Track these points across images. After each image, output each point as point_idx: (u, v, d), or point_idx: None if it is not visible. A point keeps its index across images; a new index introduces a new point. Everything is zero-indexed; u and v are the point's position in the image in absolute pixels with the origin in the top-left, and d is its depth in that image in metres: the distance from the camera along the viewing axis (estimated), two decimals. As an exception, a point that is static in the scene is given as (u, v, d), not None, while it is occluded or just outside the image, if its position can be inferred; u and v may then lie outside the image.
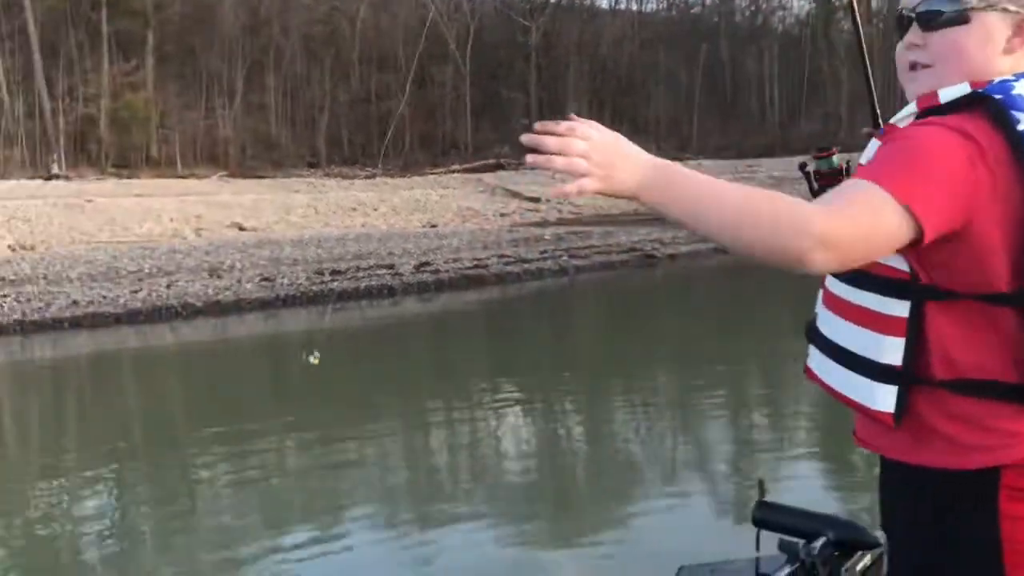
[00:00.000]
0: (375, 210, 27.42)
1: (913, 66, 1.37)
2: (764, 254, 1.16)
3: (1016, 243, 1.23)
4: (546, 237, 19.51)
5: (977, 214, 1.22)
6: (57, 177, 32.01)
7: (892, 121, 1.36)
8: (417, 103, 45.13)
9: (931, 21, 1.33)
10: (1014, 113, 1.24)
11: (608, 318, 13.09)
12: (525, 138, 1.13)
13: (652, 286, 15.69)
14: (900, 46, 1.39)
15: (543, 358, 9.91)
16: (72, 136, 36.09)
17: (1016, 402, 1.29)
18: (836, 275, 1.38)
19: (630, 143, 1.18)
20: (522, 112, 47.38)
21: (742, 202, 1.16)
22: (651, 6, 54.76)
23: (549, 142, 1.12)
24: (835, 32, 46.55)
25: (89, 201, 24.35)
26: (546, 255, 16.63)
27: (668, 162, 1.19)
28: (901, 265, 1.30)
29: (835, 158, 1.73)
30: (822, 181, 1.72)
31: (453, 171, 39.79)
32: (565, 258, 16.26)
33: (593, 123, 1.16)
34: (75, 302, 12.06)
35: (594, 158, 1.13)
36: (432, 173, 39.21)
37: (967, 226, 1.22)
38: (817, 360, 1.46)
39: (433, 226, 24.52)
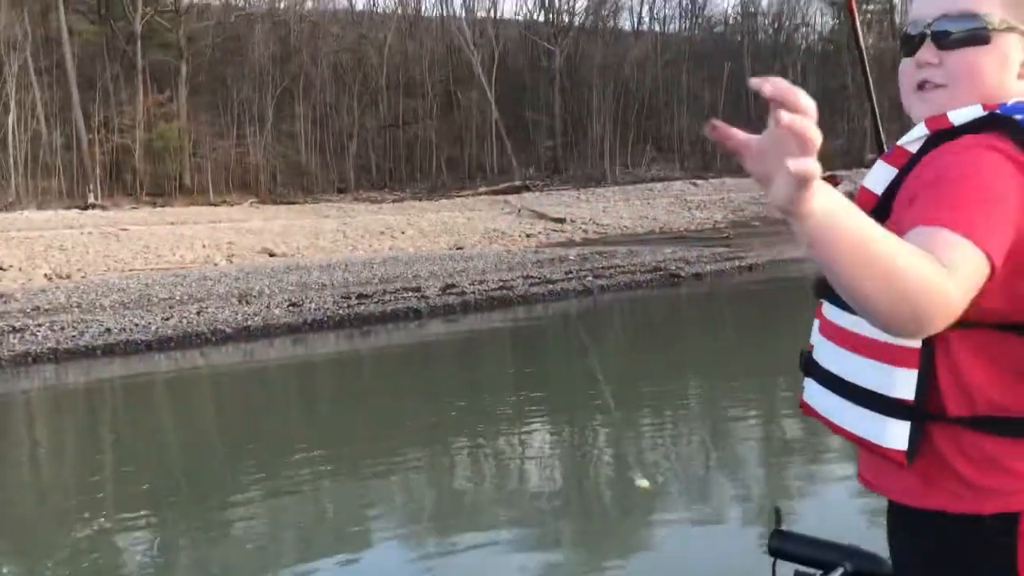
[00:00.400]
0: (403, 233, 27.63)
1: (922, 85, 1.31)
2: (893, 320, 1.01)
3: None
4: (571, 257, 19.54)
5: (1019, 235, 1.13)
6: (93, 207, 32.73)
7: (901, 143, 1.29)
8: (444, 127, 45.57)
9: (948, 39, 1.27)
10: None
11: (631, 338, 13.07)
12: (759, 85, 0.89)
13: (677, 305, 15.63)
14: (907, 64, 1.33)
15: (565, 380, 9.91)
16: (108, 166, 36.90)
17: None
18: (836, 303, 1.28)
19: (832, 195, 0.99)
20: (547, 134, 47.66)
21: (906, 266, 0.98)
22: (674, 27, 54.96)
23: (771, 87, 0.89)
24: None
25: (124, 229, 24.84)
26: (571, 275, 16.65)
27: (848, 216, 1.00)
28: None
29: (839, 187, 1.69)
30: None
31: (480, 193, 40.04)
32: (590, 278, 16.27)
33: None
34: (108, 330, 12.28)
35: (788, 185, 0.91)
36: (459, 196, 39.47)
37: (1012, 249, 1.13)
38: (816, 394, 1.36)
39: (460, 248, 24.63)
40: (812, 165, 0.88)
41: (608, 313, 14.80)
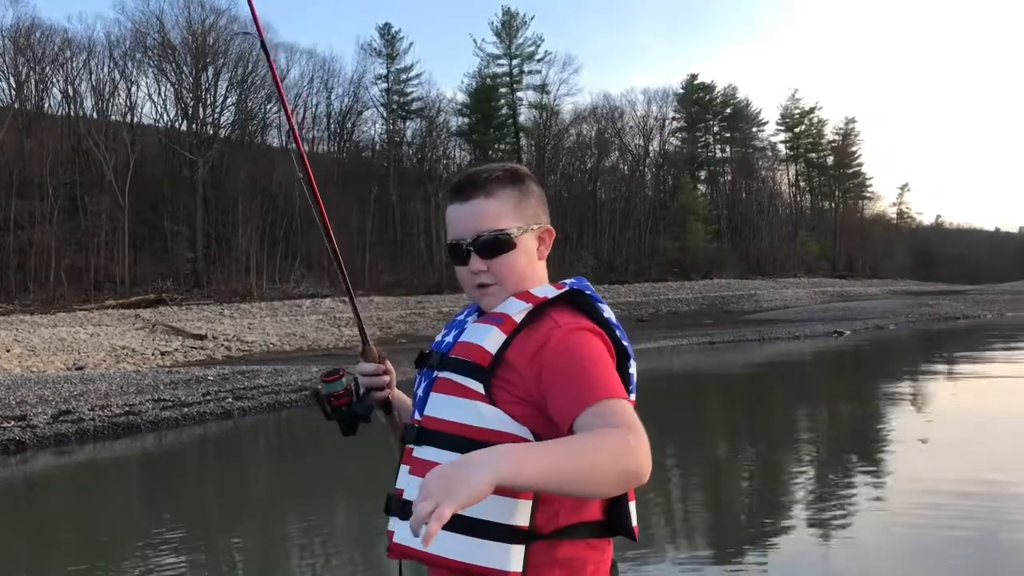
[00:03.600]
0: (8, 351, 24.11)
1: (481, 286, 1.61)
2: (619, 485, 1.31)
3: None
4: (210, 378, 18.26)
5: None
6: None
7: (508, 314, 1.54)
8: (66, 233, 41.25)
9: (487, 251, 1.59)
10: (599, 304, 1.57)
11: (271, 466, 12.34)
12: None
13: (321, 427, 15.15)
14: (463, 271, 1.63)
15: (186, 521, 8.98)
16: None
17: (606, 535, 1.52)
18: (431, 443, 1.51)
19: (479, 451, 1.23)
20: (187, 246, 45.20)
21: (587, 449, 1.28)
22: (323, 148, 56.15)
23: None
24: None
25: None
26: (209, 397, 15.49)
27: (514, 444, 1.29)
28: (523, 433, 1.45)
29: (343, 379, 1.91)
30: (335, 402, 1.92)
31: (107, 307, 36.51)
32: (230, 400, 15.27)
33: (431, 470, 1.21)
34: None
35: (433, 489, 1.16)
36: (82, 309, 35.64)
37: None
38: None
39: (80, 368, 22.02)
40: (432, 528, 1.12)
41: (252, 437, 13.90)
